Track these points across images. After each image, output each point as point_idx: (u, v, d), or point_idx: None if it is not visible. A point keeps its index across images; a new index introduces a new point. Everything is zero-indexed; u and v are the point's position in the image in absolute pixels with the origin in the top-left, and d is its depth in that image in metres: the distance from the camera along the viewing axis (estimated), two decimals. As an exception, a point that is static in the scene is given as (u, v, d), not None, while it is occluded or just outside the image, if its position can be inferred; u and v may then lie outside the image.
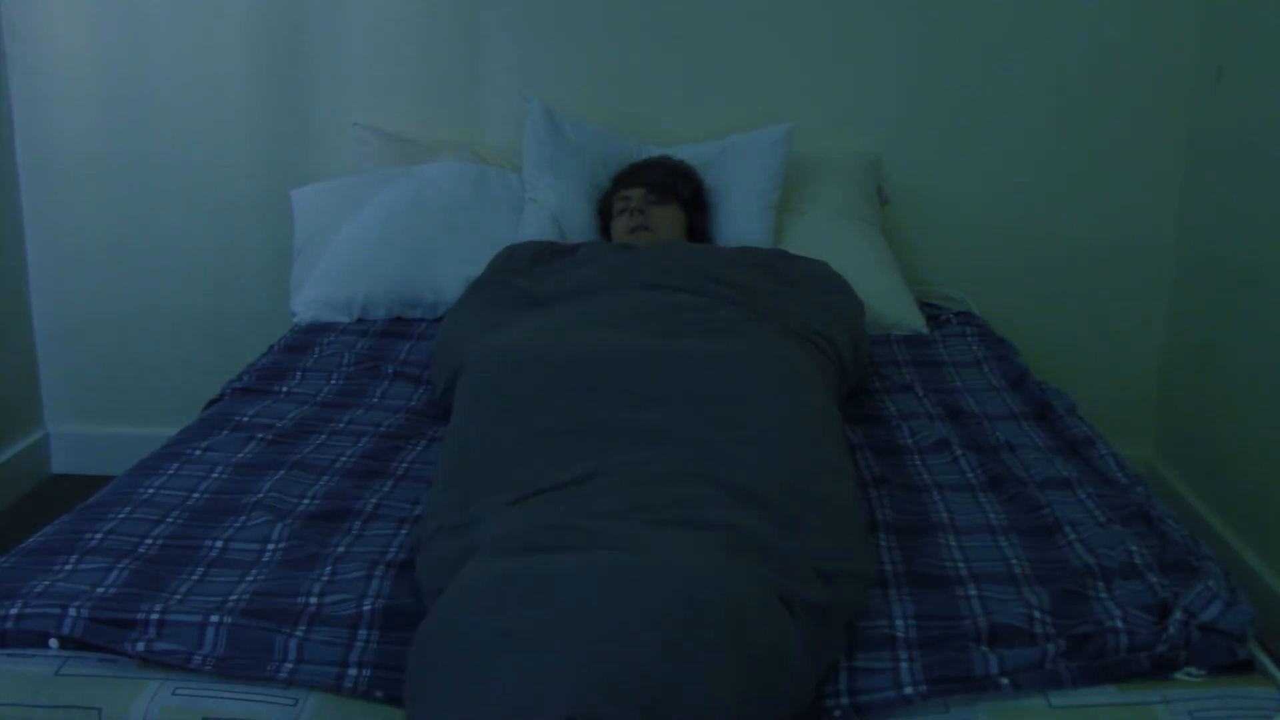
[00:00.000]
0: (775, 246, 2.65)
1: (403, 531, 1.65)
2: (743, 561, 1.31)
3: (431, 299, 2.68)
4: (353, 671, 1.34)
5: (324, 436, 1.99)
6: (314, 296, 2.68)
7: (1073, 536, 1.63)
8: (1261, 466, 2.58)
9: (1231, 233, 2.76)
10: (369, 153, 2.98)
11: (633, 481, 1.48)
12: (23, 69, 3.05)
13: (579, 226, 2.73)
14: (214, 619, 1.39)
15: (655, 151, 2.85)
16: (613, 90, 3.02)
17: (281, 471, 1.82)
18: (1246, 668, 1.35)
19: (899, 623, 1.43)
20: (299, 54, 3.03)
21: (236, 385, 2.23)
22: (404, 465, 1.90)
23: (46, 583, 1.46)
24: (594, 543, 1.32)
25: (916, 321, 2.66)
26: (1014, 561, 1.58)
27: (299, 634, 1.38)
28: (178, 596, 1.46)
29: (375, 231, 2.75)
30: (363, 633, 1.40)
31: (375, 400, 2.19)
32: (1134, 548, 1.56)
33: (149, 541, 1.60)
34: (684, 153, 2.83)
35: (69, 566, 1.52)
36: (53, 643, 1.36)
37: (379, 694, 1.31)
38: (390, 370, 2.32)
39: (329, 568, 1.53)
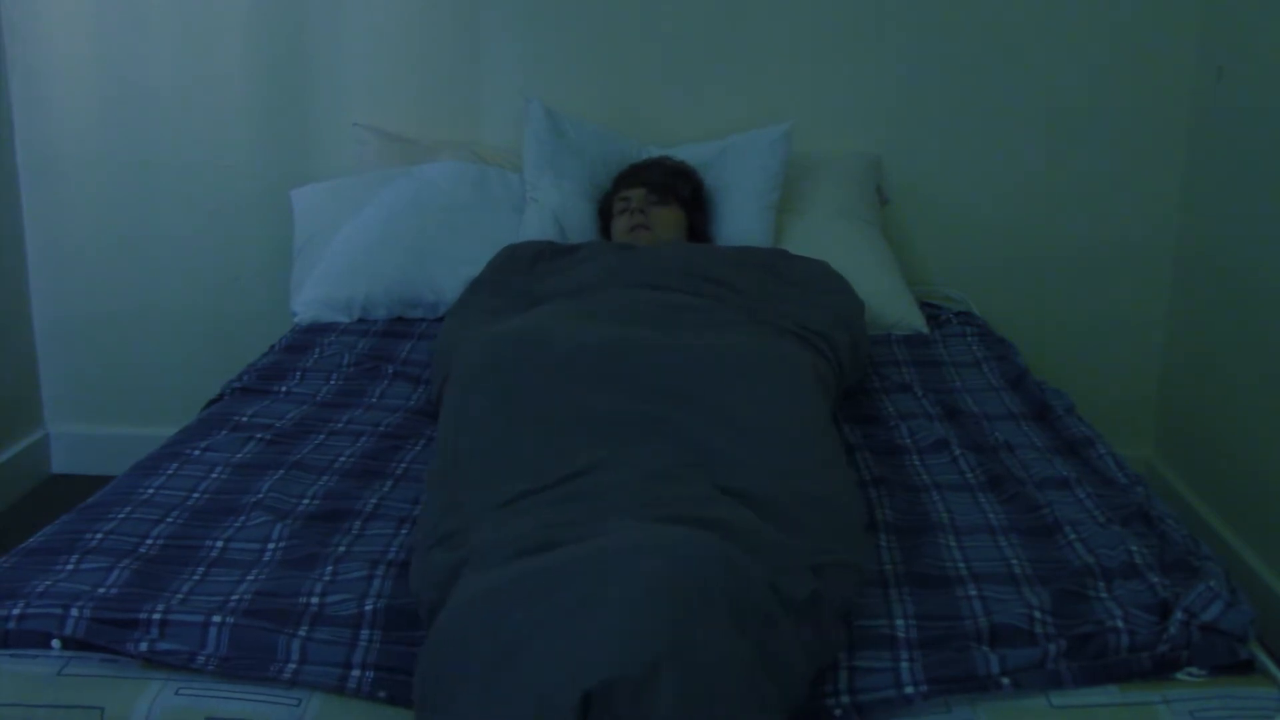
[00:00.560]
0: (775, 246, 2.65)
1: (403, 531, 1.65)
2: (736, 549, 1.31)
3: (432, 299, 2.68)
4: (356, 672, 1.34)
5: (323, 436, 1.99)
6: (314, 296, 2.68)
7: (1073, 536, 1.63)
8: (1261, 466, 2.58)
9: (1231, 233, 2.76)
10: (369, 153, 2.98)
11: (627, 479, 1.47)
12: (23, 69, 3.05)
13: (580, 226, 2.73)
14: (216, 619, 1.39)
15: (655, 151, 2.85)
16: (613, 90, 3.02)
17: (281, 471, 1.82)
18: (1247, 668, 1.35)
19: (899, 622, 1.43)
20: (299, 54, 3.03)
21: (236, 385, 2.23)
22: (404, 465, 1.90)
23: (48, 583, 1.46)
24: (580, 537, 1.32)
25: (916, 321, 2.66)
26: (1014, 561, 1.58)
27: (301, 634, 1.38)
28: (179, 596, 1.46)
29: (375, 231, 2.75)
30: (365, 633, 1.40)
31: (375, 400, 2.19)
32: (1134, 548, 1.56)
33: (149, 541, 1.60)
34: (684, 153, 2.83)
35: (70, 567, 1.52)
36: (55, 643, 1.36)
37: (382, 694, 1.31)
38: (390, 370, 2.32)
39: (330, 567, 1.53)
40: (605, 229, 2.73)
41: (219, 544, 1.61)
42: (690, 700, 1.10)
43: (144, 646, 1.35)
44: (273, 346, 2.50)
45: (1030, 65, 2.96)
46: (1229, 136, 2.77)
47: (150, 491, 1.75)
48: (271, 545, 1.61)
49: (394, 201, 2.79)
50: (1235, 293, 2.72)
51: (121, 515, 1.67)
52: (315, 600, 1.45)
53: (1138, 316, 3.10)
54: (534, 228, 2.70)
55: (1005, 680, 1.31)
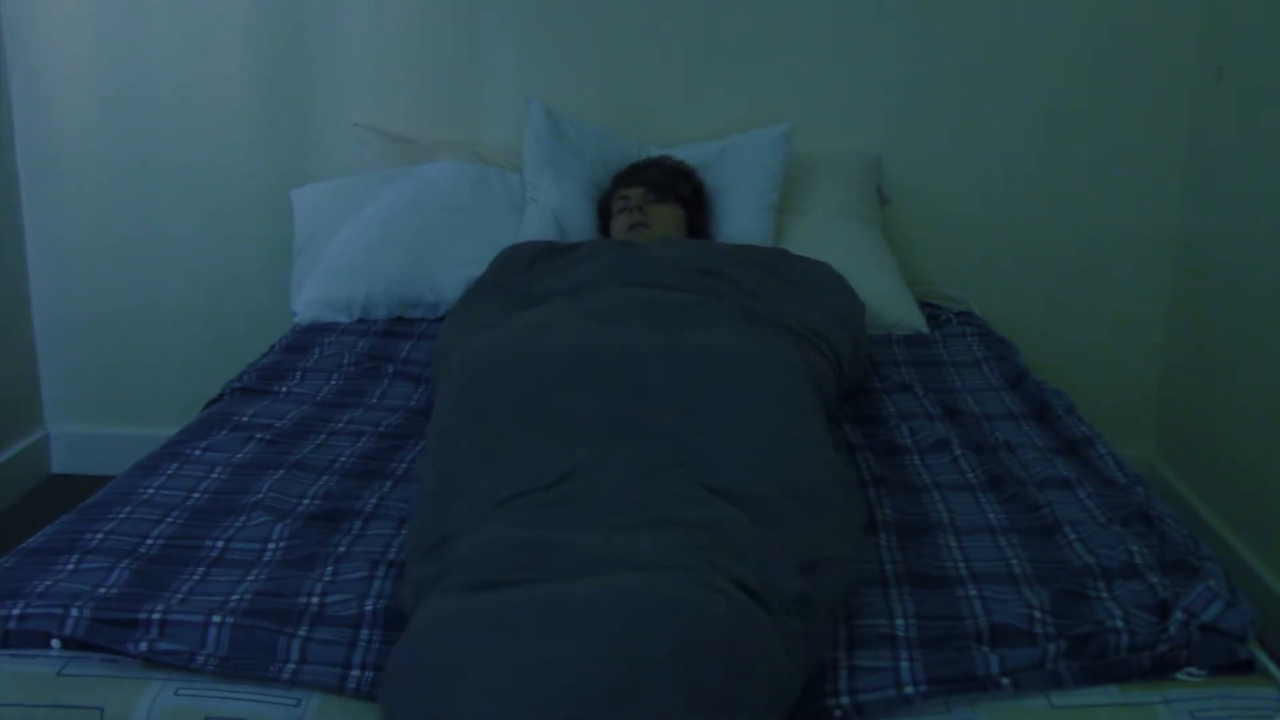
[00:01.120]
0: (776, 246, 2.65)
1: (403, 531, 1.65)
2: (712, 564, 1.29)
3: (432, 299, 2.68)
4: (355, 672, 1.34)
5: (323, 436, 1.99)
6: (314, 296, 2.69)
7: (1073, 536, 1.63)
8: (1261, 467, 2.58)
9: (1231, 233, 2.76)
10: (369, 153, 2.98)
11: (609, 483, 1.47)
12: (23, 69, 3.05)
13: (580, 226, 2.73)
14: (216, 619, 1.39)
15: (655, 151, 2.85)
16: (613, 90, 3.02)
17: (281, 471, 1.82)
18: (1247, 668, 1.35)
19: (899, 622, 1.43)
20: (299, 54, 3.03)
21: (236, 385, 2.23)
22: (404, 465, 1.90)
23: (48, 583, 1.46)
24: (561, 561, 1.30)
25: (916, 321, 2.66)
26: (1014, 561, 1.58)
27: (301, 634, 1.38)
28: (179, 596, 1.46)
29: (375, 231, 2.75)
30: (365, 633, 1.40)
31: (375, 400, 2.19)
32: (1134, 548, 1.56)
33: (149, 541, 1.60)
34: (684, 153, 2.83)
35: (70, 567, 1.52)
36: (55, 643, 1.36)
37: (381, 694, 1.31)
38: (390, 370, 2.32)
39: (330, 567, 1.53)
40: (604, 229, 2.73)
41: (219, 544, 1.61)
42: None
43: (144, 646, 1.35)
44: (273, 346, 2.50)
45: (1030, 65, 2.96)
46: (1229, 136, 2.77)
47: (150, 491, 1.75)
48: (272, 545, 1.61)
49: (394, 201, 2.79)
50: (1235, 292, 2.72)
51: (121, 515, 1.67)
52: (315, 600, 1.45)
53: (1138, 316, 3.10)
54: (534, 228, 2.70)
55: (1005, 680, 1.31)
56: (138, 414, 3.23)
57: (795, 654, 1.27)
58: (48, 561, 1.53)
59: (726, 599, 1.24)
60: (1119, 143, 2.98)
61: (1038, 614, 1.42)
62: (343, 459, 1.90)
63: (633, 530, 1.36)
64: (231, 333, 3.12)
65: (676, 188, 2.67)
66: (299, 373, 2.30)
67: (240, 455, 1.89)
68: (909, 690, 1.31)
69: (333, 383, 2.26)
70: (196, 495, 1.75)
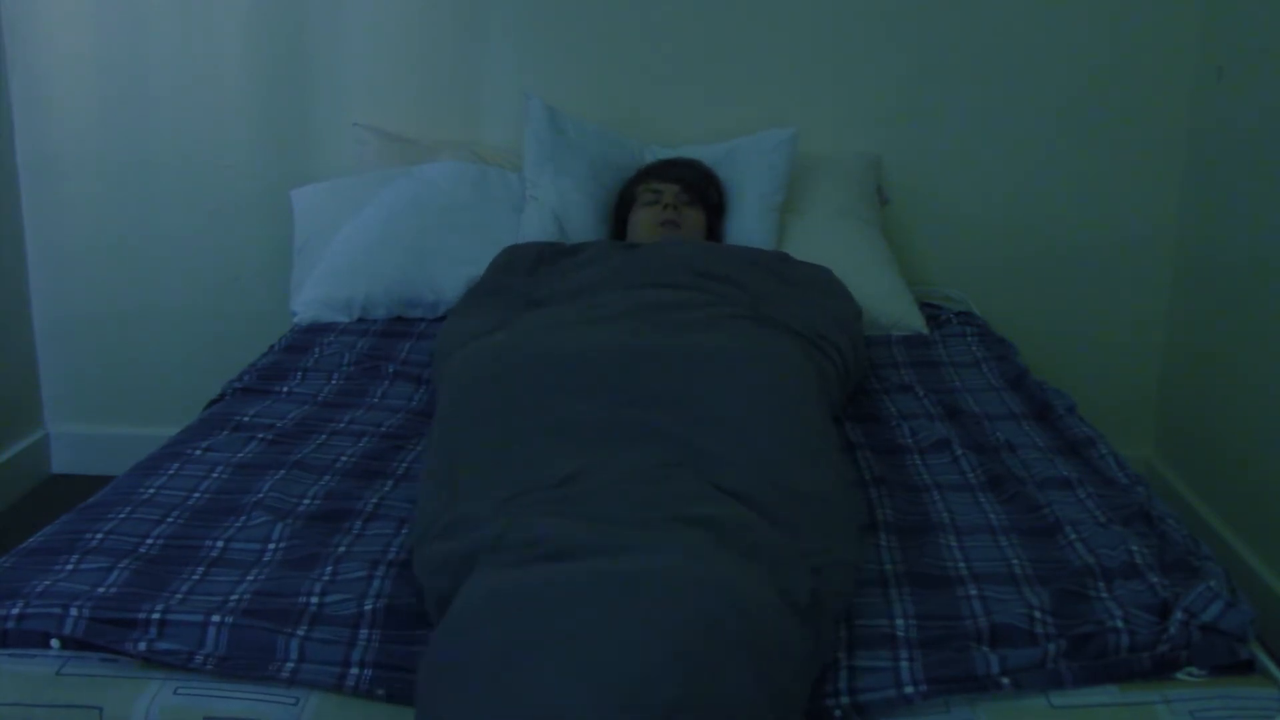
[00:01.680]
0: (777, 248, 2.65)
1: (403, 531, 1.65)
2: (740, 560, 1.30)
3: (431, 299, 2.68)
4: (354, 671, 1.34)
5: (324, 436, 1.99)
6: (314, 296, 2.68)
7: (1073, 536, 1.63)
8: (1261, 466, 2.58)
9: (1231, 233, 2.76)
10: (369, 153, 2.98)
11: (616, 482, 1.46)
12: (23, 69, 3.05)
13: (580, 225, 2.73)
14: (215, 619, 1.39)
15: (656, 151, 2.86)
16: (613, 90, 3.02)
17: (282, 471, 1.82)
18: (1247, 668, 1.35)
19: (899, 622, 1.43)
20: (299, 54, 3.03)
21: (237, 385, 2.23)
22: (404, 465, 1.90)
23: (47, 583, 1.46)
24: (598, 548, 1.30)
25: (916, 321, 2.66)
26: (1014, 561, 1.58)
27: (300, 633, 1.38)
28: (179, 596, 1.46)
29: (375, 231, 2.75)
30: (364, 632, 1.40)
31: (375, 400, 2.19)
32: (1134, 548, 1.56)
33: (149, 541, 1.60)
34: (689, 153, 2.82)
35: (69, 566, 1.52)
36: (54, 643, 1.36)
37: (380, 692, 1.31)
38: (390, 370, 2.32)
39: (330, 567, 1.53)
40: (621, 220, 2.71)
41: (219, 544, 1.60)
42: None
43: (143, 646, 1.35)
44: (273, 346, 2.50)
45: (1030, 65, 2.96)
46: (1229, 136, 2.77)
47: (150, 491, 1.75)
48: (272, 545, 1.60)
49: (394, 201, 2.79)
50: (1235, 293, 2.72)
51: (121, 515, 1.66)
52: (315, 600, 1.45)
53: (1138, 316, 3.10)
54: (534, 227, 2.70)
55: (1005, 680, 1.31)
56: (138, 414, 3.23)
57: (812, 654, 1.28)
58: (47, 561, 1.53)
59: (768, 588, 1.26)
60: (1119, 143, 2.98)
61: (1038, 614, 1.42)
62: (344, 459, 1.89)
63: (644, 526, 1.35)
64: (231, 333, 3.12)
65: (708, 193, 2.67)
66: (299, 373, 2.30)
67: (241, 455, 1.89)
68: (909, 690, 1.30)
69: (333, 383, 2.26)
70: (197, 495, 1.75)
